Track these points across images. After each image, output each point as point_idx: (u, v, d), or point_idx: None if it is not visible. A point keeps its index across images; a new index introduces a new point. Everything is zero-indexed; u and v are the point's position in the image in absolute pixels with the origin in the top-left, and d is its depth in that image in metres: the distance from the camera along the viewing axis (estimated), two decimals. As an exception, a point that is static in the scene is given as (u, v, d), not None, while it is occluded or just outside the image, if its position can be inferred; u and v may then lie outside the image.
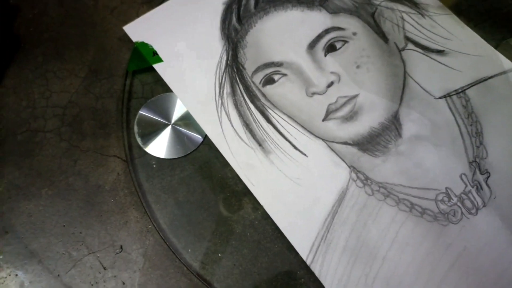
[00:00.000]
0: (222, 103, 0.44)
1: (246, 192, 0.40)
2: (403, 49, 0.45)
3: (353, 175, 0.40)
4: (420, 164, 0.40)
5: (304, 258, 0.37)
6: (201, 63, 0.46)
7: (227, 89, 0.44)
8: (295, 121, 0.43)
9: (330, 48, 0.45)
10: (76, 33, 0.50)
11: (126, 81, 0.46)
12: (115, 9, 0.52)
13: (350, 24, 0.46)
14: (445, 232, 0.37)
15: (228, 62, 0.46)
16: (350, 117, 0.42)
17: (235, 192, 0.41)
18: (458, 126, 0.41)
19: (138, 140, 0.43)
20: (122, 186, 0.43)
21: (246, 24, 0.47)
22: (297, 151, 0.41)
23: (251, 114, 0.43)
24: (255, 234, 0.39)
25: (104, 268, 0.39)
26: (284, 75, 0.44)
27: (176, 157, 0.43)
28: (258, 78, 0.44)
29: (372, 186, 0.39)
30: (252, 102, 0.44)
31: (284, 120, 0.43)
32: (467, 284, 0.36)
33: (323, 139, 0.42)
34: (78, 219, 0.41)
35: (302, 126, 0.42)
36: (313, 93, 0.43)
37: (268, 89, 0.44)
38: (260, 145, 0.42)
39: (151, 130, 0.44)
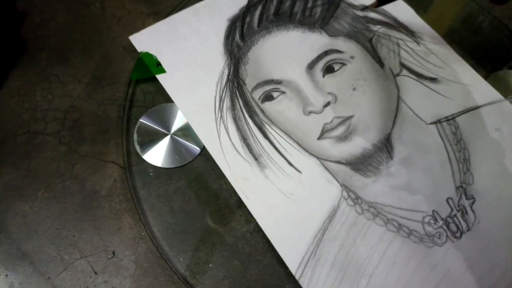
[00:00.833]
0: (221, 116, 0.45)
1: (239, 204, 0.41)
2: (398, 74, 0.47)
3: (345, 194, 0.41)
4: (409, 187, 0.41)
5: (293, 272, 0.38)
6: (203, 77, 0.47)
7: (227, 103, 0.46)
8: (291, 138, 0.44)
9: (328, 70, 0.46)
10: (82, 39, 0.52)
11: (128, 89, 0.47)
12: (121, 19, 0.53)
13: (349, 47, 0.48)
14: (430, 254, 0.38)
15: (229, 77, 0.47)
16: (345, 137, 0.43)
17: (229, 204, 0.42)
18: (447, 151, 0.43)
19: (137, 147, 0.44)
20: (118, 192, 0.43)
21: (248, 41, 0.48)
22: (291, 167, 0.42)
23: (249, 129, 0.44)
24: (246, 246, 0.40)
25: (95, 273, 0.40)
26: (283, 92, 0.46)
27: (173, 166, 0.43)
28: (258, 94, 0.46)
29: (362, 205, 0.41)
30: (251, 117, 0.45)
31: (281, 136, 0.44)
32: (449, 306, 0.37)
33: (317, 157, 0.43)
34: (72, 222, 0.42)
35: (298, 143, 0.44)
36: (310, 112, 0.44)
37: (267, 106, 0.45)
38: (256, 159, 0.43)
39: (150, 139, 0.45)
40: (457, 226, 0.40)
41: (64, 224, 0.42)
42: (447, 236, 0.39)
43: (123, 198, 0.43)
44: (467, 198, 0.41)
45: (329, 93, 0.45)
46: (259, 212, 0.40)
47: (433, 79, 0.47)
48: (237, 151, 0.43)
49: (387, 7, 0.51)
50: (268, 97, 0.46)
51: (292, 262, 0.38)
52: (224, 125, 0.44)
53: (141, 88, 0.48)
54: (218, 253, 0.40)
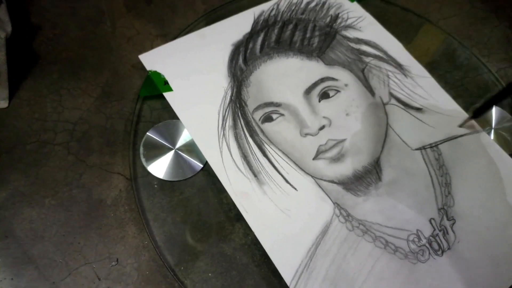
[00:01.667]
0: (224, 134, 0.48)
1: (239, 218, 0.44)
2: (387, 103, 0.51)
3: (337, 211, 0.44)
4: (396, 206, 0.45)
5: (288, 283, 0.41)
6: (208, 96, 0.50)
7: (229, 122, 0.49)
8: (289, 158, 0.47)
9: (324, 95, 0.50)
10: (93, 56, 0.54)
11: (136, 105, 0.50)
12: (131, 38, 0.56)
13: (343, 76, 0.52)
14: (414, 269, 0.42)
15: (232, 98, 0.50)
16: (338, 159, 0.47)
17: (229, 217, 0.45)
18: (430, 176, 0.47)
19: (143, 160, 0.47)
20: (123, 202, 0.45)
21: (251, 66, 0.52)
22: (288, 185, 0.46)
23: (249, 147, 0.47)
24: (244, 258, 0.43)
25: (99, 279, 0.41)
26: (282, 115, 0.49)
27: (177, 180, 0.46)
28: (258, 115, 0.49)
29: (352, 222, 0.44)
30: (251, 136, 0.48)
31: (279, 155, 0.47)
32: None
33: (312, 176, 0.46)
34: (78, 230, 0.44)
35: (294, 163, 0.47)
36: (306, 134, 0.48)
37: (266, 126, 0.49)
38: (255, 176, 0.46)
39: (156, 152, 0.47)
40: (438, 244, 0.43)
41: (69, 231, 0.43)
42: (429, 253, 0.43)
43: (128, 208, 0.45)
44: (448, 219, 0.44)
45: (324, 117, 0.49)
46: (257, 226, 0.43)
47: (418, 109, 0.51)
48: (237, 167, 0.46)
49: (379, 42, 0.56)
50: (267, 118, 0.49)
51: (287, 273, 0.41)
52: (226, 143, 0.47)
53: (148, 105, 0.51)
54: (217, 263, 0.42)
